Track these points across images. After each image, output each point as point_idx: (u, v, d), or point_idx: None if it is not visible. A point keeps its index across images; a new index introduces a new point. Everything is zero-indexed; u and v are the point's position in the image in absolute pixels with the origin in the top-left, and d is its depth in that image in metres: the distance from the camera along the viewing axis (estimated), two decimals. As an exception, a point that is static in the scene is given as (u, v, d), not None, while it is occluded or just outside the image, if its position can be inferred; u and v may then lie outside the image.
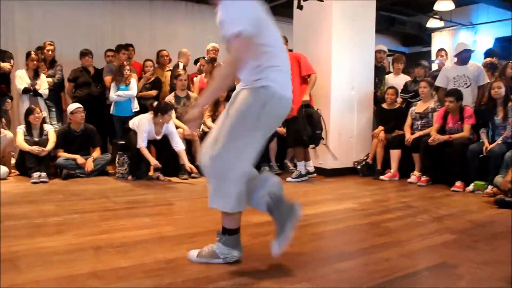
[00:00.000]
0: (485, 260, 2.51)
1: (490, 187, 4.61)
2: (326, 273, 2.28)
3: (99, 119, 6.20)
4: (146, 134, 5.17)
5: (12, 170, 5.47)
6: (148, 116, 5.27)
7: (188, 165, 5.24)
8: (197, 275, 2.21)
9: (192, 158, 5.58)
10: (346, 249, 2.76)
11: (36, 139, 5.31)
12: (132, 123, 5.38)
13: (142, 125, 5.16)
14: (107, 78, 6.37)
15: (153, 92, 6.42)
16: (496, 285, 2.16)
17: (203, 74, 6.67)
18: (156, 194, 4.45)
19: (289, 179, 5.37)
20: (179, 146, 5.35)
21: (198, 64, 7.03)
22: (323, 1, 5.81)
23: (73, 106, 5.54)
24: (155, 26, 8.27)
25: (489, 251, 2.72)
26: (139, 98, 6.29)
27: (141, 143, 5.14)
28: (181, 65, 6.83)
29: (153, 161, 5.19)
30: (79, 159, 5.34)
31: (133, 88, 6.14)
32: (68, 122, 5.72)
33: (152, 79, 6.53)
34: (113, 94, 6.07)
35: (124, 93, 6.03)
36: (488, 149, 4.78)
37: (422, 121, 5.56)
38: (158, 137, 5.34)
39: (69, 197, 4.19)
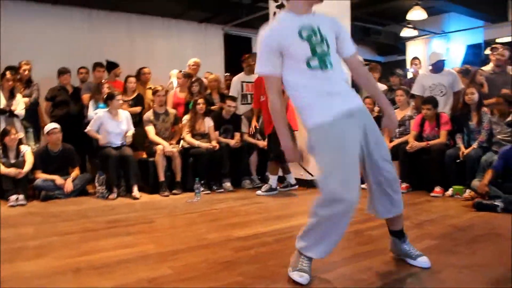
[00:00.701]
0: (467, 264, 2.53)
1: (468, 191, 4.68)
2: (312, 284, 2.28)
3: (78, 137, 6.11)
4: (100, 122, 5.57)
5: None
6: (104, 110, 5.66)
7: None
8: (181, 293, 2.18)
9: (172, 174, 5.55)
10: (330, 259, 2.75)
11: (13, 161, 5.21)
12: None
13: (98, 116, 5.62)
14: (85, 96, 6.30)
15: (137, 109, 6.35)
16: (478, 289, 2.19)
17: (178, 88, 6.66)
18: (137, 212, 4.40)
19: (258, 192, 5.37)
20: (130, 129, 5.73)
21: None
22: (298, 14, 5.86)
23: (49, 127, 5.48)
24: (133, 42, 8.24)
25: (470, 254, 2.75)
26: None
27: (89, 127, 5.58)
28: (174, 82, 6.85)
29: (101, 140, 5.52)
30: (58, 179, 5.26)
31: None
32: (46, 142, 5.65)
33: (134, 95, 6.47)
34: (91, 112, 6.00)
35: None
36: (464, 154, 4.87)
37: (400, 129, 5.63)
38: (122, 129, 5.65)
39: (48, 219, 4.11)
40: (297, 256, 2.38)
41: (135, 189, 5.27)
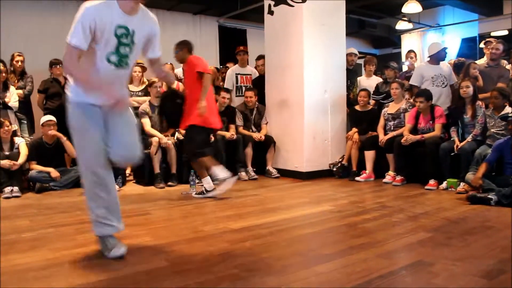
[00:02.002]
0: (460, 257, 2.56)
1: (462, 184, 4.71)
2: (305, 277, 2.30)
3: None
4: None
5: (-17, 186, 5.33)
6: None
7: None
8: (177, 285, 2.19)
9: (167, 166, 5.54)
10: (324, 251, 2.78)
11: (7, 153, 5.19)
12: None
13: None
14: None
15: (146, 98, 6.31)
16: (471, 281, 2.21)
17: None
18: (132, 204, 4.40)
19: (193, 194, 4.79)
20: None
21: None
22: (293, 6, 5.87)
23: (44, 119, 5.46)
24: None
25: (463, 247, 2.78)
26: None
27: None
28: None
29: None
30: (53, 172, 5.24)
31: None
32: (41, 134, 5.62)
33: (143, 86, 6.42)
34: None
35: None
36: (459, 147, 4.89)
37: (395, 122, 5.65)
38: None
39: (43, 211, 4.11)
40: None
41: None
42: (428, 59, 5.87)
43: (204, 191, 4.69)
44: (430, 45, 6.13)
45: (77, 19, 2.38)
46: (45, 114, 5.79)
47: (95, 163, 2.56)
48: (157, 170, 5.42)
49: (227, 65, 7.72)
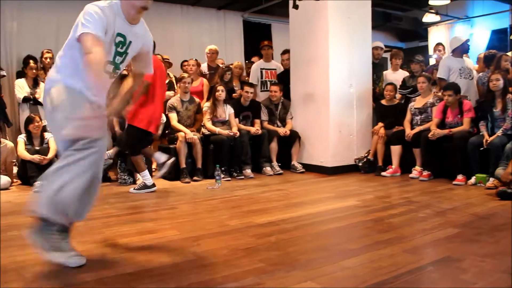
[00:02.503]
0: (489, 253, 2.52)
1: (491, 179, 4.61)
2: (331, 271, 2.29)
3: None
4: None
5: (14, 180, 5.48)
6: None
7: None
8: (203, 278, 2.22)
9: (193, 161, 5.58)
10: (350, 246, 2.77)
11: (37, 148, 5.32)
12: None
13: None
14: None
15: (170, 93, 6.38)
16: (500, 277, 2.17)
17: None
18: (158, 199, 4.46)
19: (131, 190, 4.83)
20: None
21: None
22: (318, 0, 5.82)
23: None
24: (150, 30, 8.23)
25: (492, 243, 2.73)
26: None
27: None
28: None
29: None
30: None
31: None
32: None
33: (167, 80, 6.49)
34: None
35: None
36: (488, 141, 4.79)
37: (422, 116, 5.57)
38: None
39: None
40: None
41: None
42: (452, 53, 5.77)
43: (144, 185, 4.79)
44: (452, 40, 6.04)
45: (89, 13, 2.27)
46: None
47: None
48: (183, 165, 5.47)
49: (252, 59, 7.73)
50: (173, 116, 5.70)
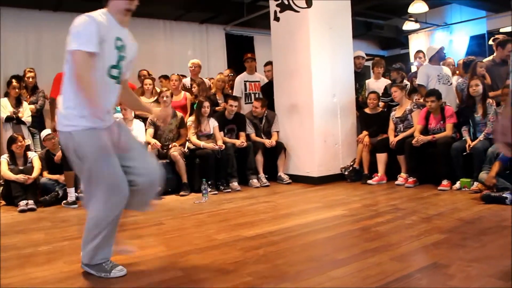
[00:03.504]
0: (475, 257, 2.54)
1: (475, 183, 4.67)
2: (320, 282, 2.29)
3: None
4: None
5: (-1, 201, 5.40)
6: None
7: None
8: (192, 294, 2.20)
9: (176, 176, 5.56)
10: (339, 256, 2.77)
11: (21, 168, 5.25)
12: None
13: None
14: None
15: (157, 109, 6.33)
16: (488, 282, 2.19)
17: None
18: (146, 215, 4.40)
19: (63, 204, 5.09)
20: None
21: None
22: (298, 11, 5.88)
23: (44, 133, 5.55)
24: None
25: (479, 247, 2.76)
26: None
27: None
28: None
29: None
30: (60, 178, 5.34)
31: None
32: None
33: (155, 98, 6.46)
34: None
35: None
36: (471, 146, 4.85)
37: (404, 124, 5.63)
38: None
39: (58, 224, 4.15)
40: None
41: None
42: (429, 61, 5.88)
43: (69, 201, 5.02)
44: (427, 49, 6.21)
45: (80, 27, 2.25)
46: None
47: (123, 187, 2.43)
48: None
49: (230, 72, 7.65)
50: (149, 131, 5.77)
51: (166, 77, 7.09)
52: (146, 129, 5.79)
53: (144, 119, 6.01)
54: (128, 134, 2.66)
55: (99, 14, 2.36)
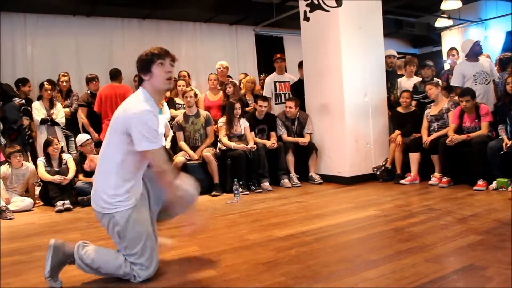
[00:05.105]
0: (514, 260, 2.48)
1: (513, 183, 4.55)
2: (353, 283, 2.28)
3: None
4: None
5: (37, 201, 5.57)
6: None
7: None
8: (225, 294, 2.23)
9: (208, 177, 5.61)
10: (371, 257, 2.75)
11: (57, 169, 5.41)
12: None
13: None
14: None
15: (178, 112, 6.45)
16: (527, 284, 2.14)
17: (208, 91, 6.72)
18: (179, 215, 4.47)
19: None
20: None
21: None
22: (329, 11, 5.85)
23: (82, 139, 5.63)
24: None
25: (517, 249, 2.69)
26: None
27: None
28: None
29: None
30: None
31: (166, 112, 6.26)
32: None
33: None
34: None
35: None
36: (508, 145, 4.72)
37: (439, 123, 5.52)
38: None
39: (93, 224, 4.23)
40: None
41: None
42: (466, 58, 5.72)
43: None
44: (462, 45, 5.99)
45: (144, 123, 2.33)
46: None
47: (154, 254, 2.55)
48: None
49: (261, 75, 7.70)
50: (179, 136, 5.84)
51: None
52: (174, 132, 5.87)
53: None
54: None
55: (147, 102, 2.43)
